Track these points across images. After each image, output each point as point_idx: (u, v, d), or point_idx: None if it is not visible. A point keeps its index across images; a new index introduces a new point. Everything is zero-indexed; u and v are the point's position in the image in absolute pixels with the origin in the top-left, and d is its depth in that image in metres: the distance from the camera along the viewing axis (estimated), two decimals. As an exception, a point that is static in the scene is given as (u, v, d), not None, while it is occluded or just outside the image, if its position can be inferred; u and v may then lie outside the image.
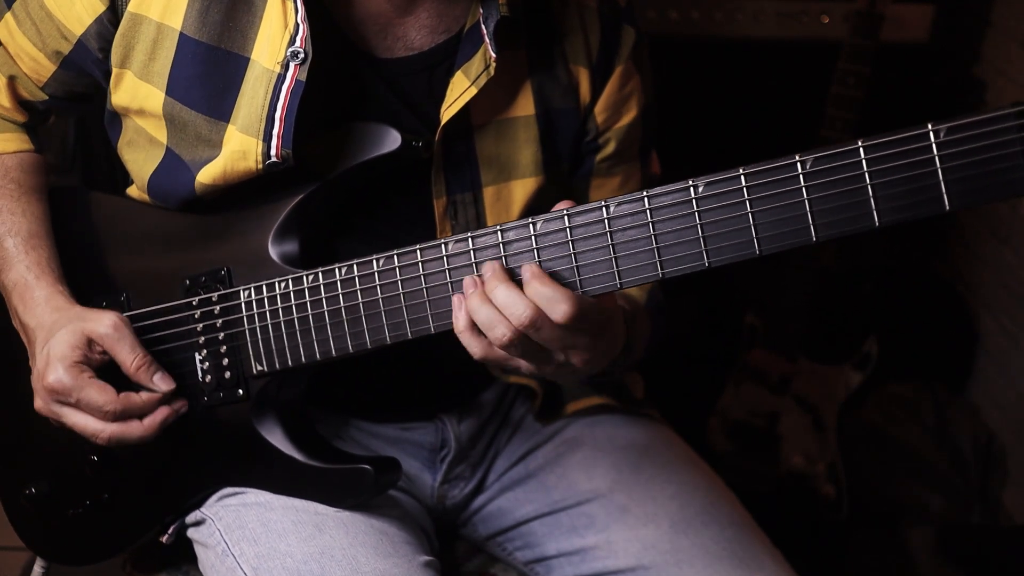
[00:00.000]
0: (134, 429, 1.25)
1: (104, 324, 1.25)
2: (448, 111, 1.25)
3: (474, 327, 1.08)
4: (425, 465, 1.47)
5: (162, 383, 1.26)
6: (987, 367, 2.73)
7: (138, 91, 1.27)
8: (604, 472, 1.45)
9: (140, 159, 1.33)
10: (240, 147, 1.23)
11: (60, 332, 1.25)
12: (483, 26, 1.22)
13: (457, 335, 1.10)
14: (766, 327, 2.51)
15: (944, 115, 0.94)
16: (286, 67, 1.21)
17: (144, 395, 1.25)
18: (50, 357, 1.24)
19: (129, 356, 1.25)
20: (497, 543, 1.51)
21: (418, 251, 1.14)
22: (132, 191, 1.40)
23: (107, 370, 1.26)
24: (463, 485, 1.49)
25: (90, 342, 1.25)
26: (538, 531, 1.46)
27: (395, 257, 1.16)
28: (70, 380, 1.23)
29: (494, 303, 1.06)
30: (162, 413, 1.26)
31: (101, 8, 1.25)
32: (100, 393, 1.23)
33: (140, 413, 1.25)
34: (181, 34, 1.23)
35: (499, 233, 1.10)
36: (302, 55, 1.20)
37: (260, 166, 1.22)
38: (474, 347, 1.09)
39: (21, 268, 1.31)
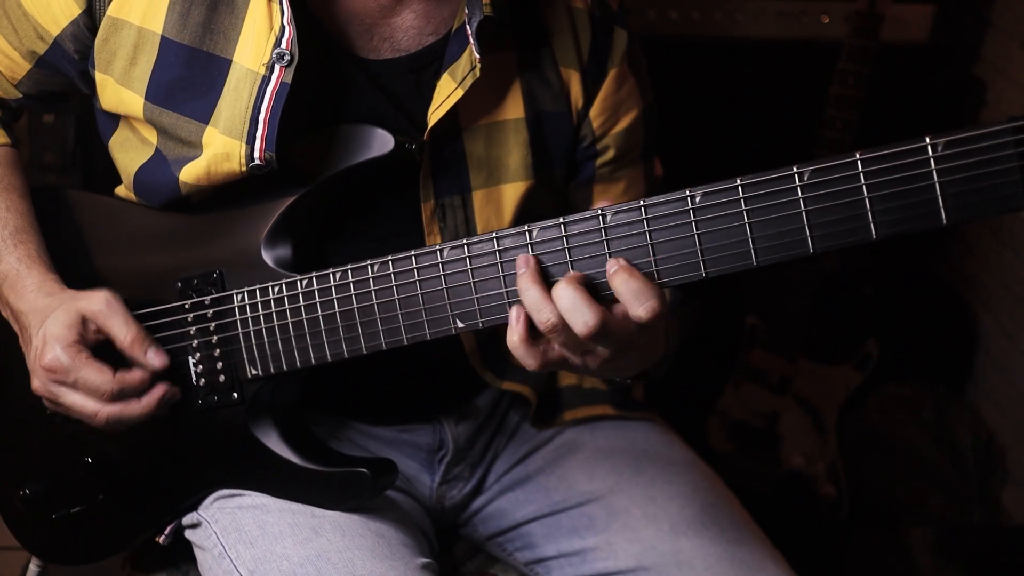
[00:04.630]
0: (132, 408, 1.25)
1: (97, 301, 1.25)
2: (435, 113, 1.24)
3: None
4: (424, 466, 1.47)
5: (155, 359, 1.25)
6: (987, 367, 2.72)
7: (121, 97, 1.27)
8: (604, 474, 1.45)
9: (129, 157, 1.33)
10: (224, 149, 1.22)
11: (55, 312, 1.25)
12: (468, 27, 1.22)
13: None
14: (767, 328, 2.51)
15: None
16: (271, 69, 1.20)
17: (138, 372, 1.25)
18: (47, 337, 1.23)
19: (122, 330, 1.25)
20: (497, 544, 1.51)
21: (413, 257, 1.14)
22: (120, 191, 1.40)
23: (103, 352, 1.26)
24: (462, 485, 1.49)
25: (84, 320, 1.25)
26: (538, 532, 1.46)
27: (390, 263, 1.15)
28: (68, 359, 1.22)
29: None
30: (159, 391, 1.26)
31: (77, 11, 1.25)
32: (98, 374, 1.22)
33: (136, 391, 1.25)
34: (162, 37, 1.23)
35: (495, 240, 1.09)
36: (288, 57, 1.20)
37: (244, 168, 1.22)
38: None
39: (12, 260, 1.31)
